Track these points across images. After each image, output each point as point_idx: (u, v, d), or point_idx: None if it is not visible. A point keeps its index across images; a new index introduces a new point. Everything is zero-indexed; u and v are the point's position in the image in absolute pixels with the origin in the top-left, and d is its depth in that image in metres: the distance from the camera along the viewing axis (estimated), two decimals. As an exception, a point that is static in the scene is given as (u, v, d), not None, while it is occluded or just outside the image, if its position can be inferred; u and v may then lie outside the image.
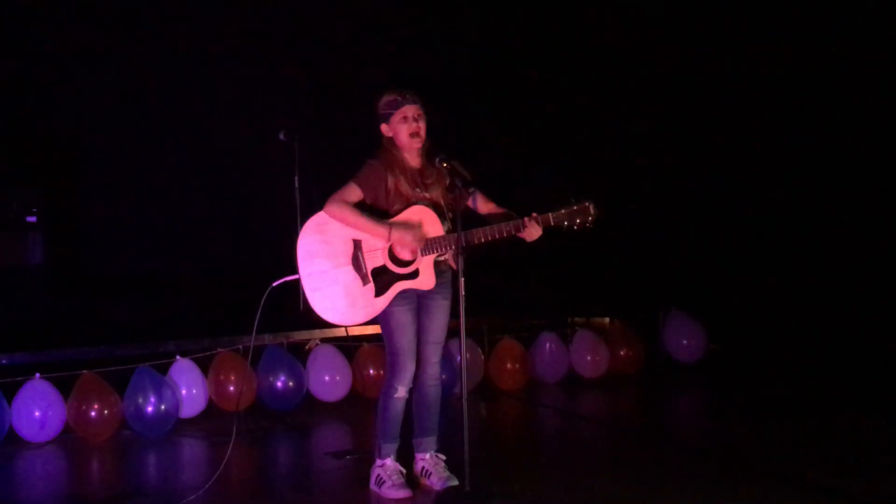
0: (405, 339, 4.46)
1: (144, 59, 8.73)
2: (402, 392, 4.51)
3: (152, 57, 8.74)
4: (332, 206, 4.38)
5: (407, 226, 4.35)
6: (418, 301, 4.50)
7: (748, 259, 8.41)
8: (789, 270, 8.21)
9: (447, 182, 4.42)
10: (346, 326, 4.41)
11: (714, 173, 8.61)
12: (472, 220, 4.44)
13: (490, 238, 4.31)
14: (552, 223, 4.33)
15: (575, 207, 4.33)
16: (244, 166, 8.82)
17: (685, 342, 7.41)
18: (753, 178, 8.48)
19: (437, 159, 4.34)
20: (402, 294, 4.42)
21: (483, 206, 4.54)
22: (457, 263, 4.27)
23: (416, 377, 4.57)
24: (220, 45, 8.95)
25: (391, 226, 4.34)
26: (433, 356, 4.56)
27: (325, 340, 6.70)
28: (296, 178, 7.11)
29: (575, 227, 4.34)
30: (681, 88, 8.77)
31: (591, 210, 4.34)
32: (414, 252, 4.38)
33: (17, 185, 7.70)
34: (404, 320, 4.45)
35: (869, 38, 7.84)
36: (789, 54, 8.22)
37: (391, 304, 4.41)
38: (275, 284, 4.58)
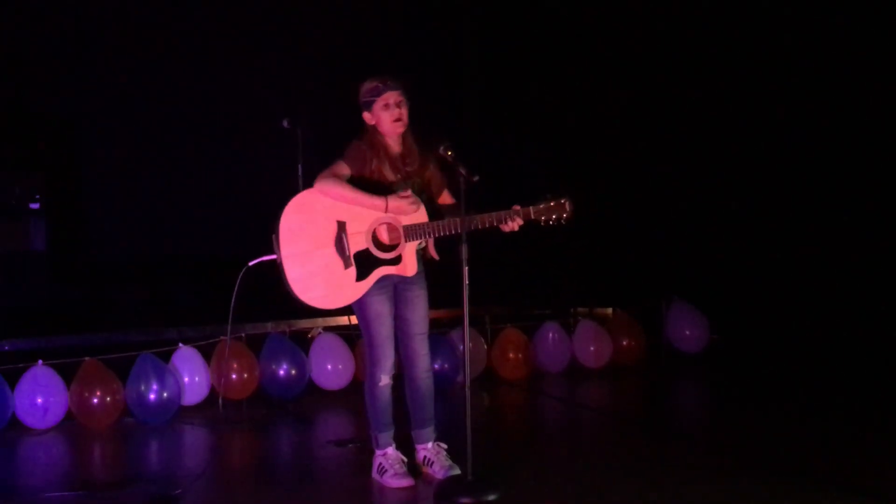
0: (384, 328, 4.44)
1: (147, 46, 8.71)
2: (385, 380, 4.49)
3: (155, 44, 8.73)
4: (326, 182, 4.33)
5: (399, 196, 4.33)
6: (395, 292, 4.49)
7: (750, 249, 8.40)
8: (791, 261, 8.20)
9: (430, 169, 4.47)
10: (327, 310, 4.39)
11: (717, 164, 8.59)
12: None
13: (473, 227, 4.30)
14: (532, 216, 4.34)
15: (552, 203, 4.34)
16: (247, 153, 8.82)
17: (687, 332, 7.41)
18: (756, 169, 8.46)
19: (442, 147, 4.33)
20: (380, 283, 4.39)
21: (446, 199, 4.56)
22: (462, 252, 4.25)
23: (408, 372, 4.56)
24: (222, 32, 8.94)
25: (387, 196, 4.32)
26: (422, 348, 4.54)
27: (327, 329, 6.69)
28: (299, 165, 7.10)
29: (550, 223, 4.35)
30: (683, 80, 8.75)
31: (567, 207, 4.34)
32: (407, 211, 4.35)
33: (20, 173, 7.72)
34: (382, 310, 4.43)
35: (871, 36, 7.82)
36: (794, 46, 8.19)
37: (368, 294, 4.38)
38: (251, 264, 4.55)
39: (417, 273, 4.46)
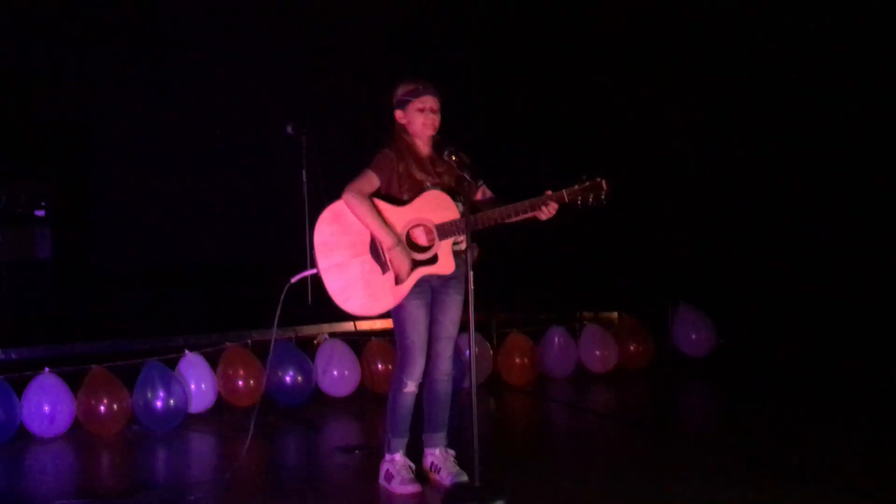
0: (417, 334, 4.44)
1: (152, 54, 8.73)
2: (411, 387, 4.49)
3: (161, 51, 8.75)
4: (351, 198, 4.33)
5: (406, 252, 4.31)
6: (432, 295, 4.49)
7: (756, 253, 8.39)
8: (797, 265, 8.19)
9: (456, 173, 4.43)
10: (369, 317, 4.38)
11: (723, 168, 8.58)
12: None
13: (507, 218, 4.30)
14: (566, 199, 4.31)
15: (588, 184, 4.31)
16: (252, 160, 8.83)
17: (693, 336, 7.40)
18: (762, 172, 8.45)
19: (446, 152, 4.33)
20: (417, 288, 4.38)
21: (484, 196, 4.54)
22: (466, 256, 4.24)
23: (428, 372, 4.55)
24: (227, 39, 8.95)
25: (396, 244, 4.30)
26: (445, 351, 4.54)
27: (333, 335, 6.69)
28: (303, 171, 7.11)
29: (589, 203, 4.31)
30: (688, 82, 8.74)
31: (604, 185, 4.31)
32: (401, 271, 4.33)
33: (26, 180, 7.72)
34: (418, 315, 4.43)
35: (873, 37, 7.82)
36: (803, 50, 8.19)
37: (406, 298, 4.38)
38: (294, 280, 4.55)
39: (456, 276, 4.44)
